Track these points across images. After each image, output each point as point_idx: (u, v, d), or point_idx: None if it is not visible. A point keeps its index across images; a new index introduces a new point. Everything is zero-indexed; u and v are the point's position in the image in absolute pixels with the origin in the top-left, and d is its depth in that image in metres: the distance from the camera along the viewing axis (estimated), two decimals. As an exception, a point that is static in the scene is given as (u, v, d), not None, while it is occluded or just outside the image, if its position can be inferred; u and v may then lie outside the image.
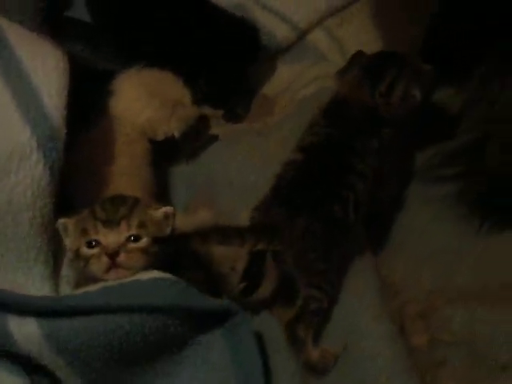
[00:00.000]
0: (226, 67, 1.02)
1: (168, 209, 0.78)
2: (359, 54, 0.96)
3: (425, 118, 0.97)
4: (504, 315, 0.82)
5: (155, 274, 0.75)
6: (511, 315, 0.82)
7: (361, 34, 1.12)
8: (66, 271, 0.81)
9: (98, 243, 0.73)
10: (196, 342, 0.74)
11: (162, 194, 0.97)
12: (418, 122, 0.96)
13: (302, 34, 1.13)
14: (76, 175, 0.88)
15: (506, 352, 0.80)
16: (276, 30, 1.12)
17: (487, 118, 0.92)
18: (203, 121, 1.03)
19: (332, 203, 0.83)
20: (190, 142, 1.02)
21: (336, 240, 0.83)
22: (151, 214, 0.77)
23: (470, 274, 0.86)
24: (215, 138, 1.04)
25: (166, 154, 1.01)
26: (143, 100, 0.98)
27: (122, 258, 0.73)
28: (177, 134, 0.99)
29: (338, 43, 1.12)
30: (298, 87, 1.10)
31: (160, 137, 0.98)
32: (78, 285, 0.79)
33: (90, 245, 0.74)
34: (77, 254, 0.75)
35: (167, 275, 0.75)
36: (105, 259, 0.73)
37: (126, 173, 0.92)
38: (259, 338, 0.77)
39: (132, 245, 0.74)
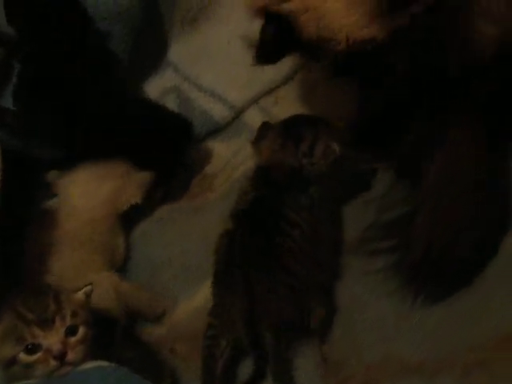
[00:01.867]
0: (161, 155, 1.05)
1: (87, 289, 0.77)
2: (266, 124, 1.01)
3: (358, 189, 1.02)
4: (443, 387, 0.83)
5: (97, 362, 0.73)
6: (450, 387, 0.83)
7: (296, 112, 1.15)
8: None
9: (38, 347, 0.71)
10: None
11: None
12: (350, 190, 1.00)
13: (239, 113, 1.16)
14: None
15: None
16: (212, 110, 1.15)
17: (414, 191, 0.96)
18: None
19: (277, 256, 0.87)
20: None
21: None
22: (75, 298, 0.76)
23: (407, 346, 0.88)
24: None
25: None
26: (97, 180, 1.01)
27: (70, 356, 0.71)
28: (139, 200, 1.02)
29: (273, 121, 1.15)
30: (235, 164, 1.12)
31: (124, 207, 1.01)
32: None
33: (29, 350, 0.70)
34: (12, 362, 0.71)
35: (107, 363, 0.73)
36: (53, 362, 0.70)
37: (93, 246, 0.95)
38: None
39: (73, 339, 0.72)
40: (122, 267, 1.00)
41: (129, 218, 1.04)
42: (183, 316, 0.97)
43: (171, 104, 1.13)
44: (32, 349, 0.70)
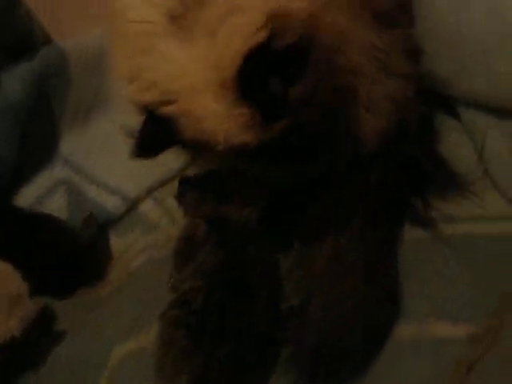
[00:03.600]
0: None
1: None
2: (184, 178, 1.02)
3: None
4: None
5: None
6: None
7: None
8: None
9: None
10: None
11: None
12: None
13: (133, 205, 1.15)
14: None
15: None
16: (106, 202, 1.13)
17: (308, 282, 0.96)
18: (45, 314, 1.00)
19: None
20: (35, 340, 0.98)
21: None
22: None
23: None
24: (64, 333, 1.01)
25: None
26: None
27: None
28: (17, 334, 0.93)
29: (168, 213, 1.14)
30: (129, 257, 1.10)
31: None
32: None
33: None
34: None
35: None
36: None
37: None
38: None
39: None
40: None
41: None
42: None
43: (60, 197, 1.12)
44: None
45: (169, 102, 0.79)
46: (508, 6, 0.92)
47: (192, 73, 0.77)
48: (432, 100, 1.03)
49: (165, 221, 1.14)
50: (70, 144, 1.17)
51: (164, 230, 1.12)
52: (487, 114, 1.00)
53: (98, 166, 1.16)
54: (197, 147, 0.82)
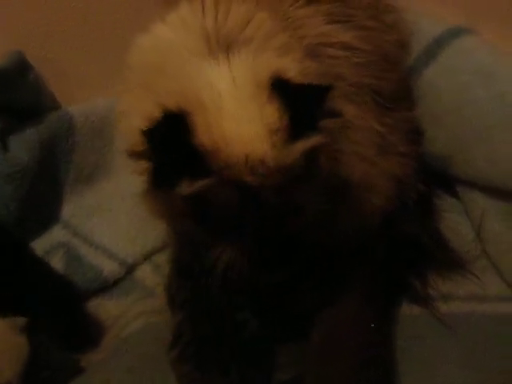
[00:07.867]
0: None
1: None
2: None
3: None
4: None
5: None
6: None
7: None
8: None
9: None
10: None
11: None
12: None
13: (130, 269, 1.14)
14: None
15: None
16: (102, 266, 1.13)
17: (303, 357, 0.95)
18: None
19: None
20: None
21: None
22: None
23: None
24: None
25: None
26: None
27: None
28: (15, 380, 0.88)
29: (165, 279, 1.14)
30: (123, 323, 1.09)
31: None
32: None
33: None
34: None
35: None
36: None
37: None
38: None
39: None
40: None
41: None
42: None
43: (58, 260, 1.11)
44: None
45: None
46: (509, 86, 0.96)
47: None
48: (431, 179, 1.05)
49: (161, 287, 1.14)
50: (71, 206, 1.17)
51: (160, 295, 1.11)
52: (485, 194, 1.02)
53: (97, 229, 1.16)
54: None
